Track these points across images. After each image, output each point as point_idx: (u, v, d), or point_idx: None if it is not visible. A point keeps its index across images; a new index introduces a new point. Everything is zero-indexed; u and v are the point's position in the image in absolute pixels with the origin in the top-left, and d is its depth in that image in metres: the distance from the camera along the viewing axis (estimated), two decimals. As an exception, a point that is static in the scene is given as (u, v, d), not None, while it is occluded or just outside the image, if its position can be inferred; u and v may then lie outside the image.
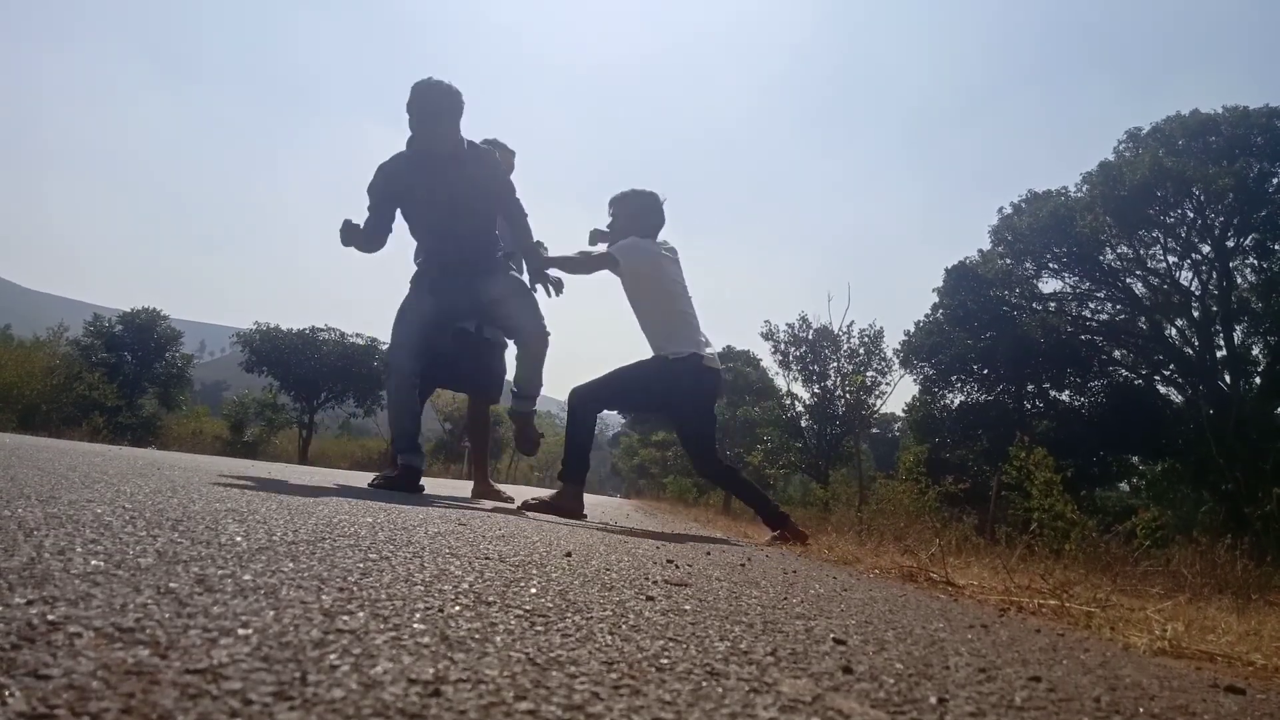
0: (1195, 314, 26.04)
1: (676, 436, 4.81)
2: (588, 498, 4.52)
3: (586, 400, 4.38)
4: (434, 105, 4.20)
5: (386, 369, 4.55)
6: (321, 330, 32.55)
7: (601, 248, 4.62)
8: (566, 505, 4.10)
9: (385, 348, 4.28)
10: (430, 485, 6.23)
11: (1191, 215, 25.58)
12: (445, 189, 4.34)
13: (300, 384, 31.49)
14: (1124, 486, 29.82)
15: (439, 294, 4.49)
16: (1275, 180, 24.85)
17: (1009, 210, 28.82)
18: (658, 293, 4.38)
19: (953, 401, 28.19)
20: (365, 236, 4.29)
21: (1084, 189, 27.21)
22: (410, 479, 4.30)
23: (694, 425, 4.47)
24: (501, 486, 6.37)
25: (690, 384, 4.34)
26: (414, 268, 4.72)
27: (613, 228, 4.68)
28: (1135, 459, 27.47)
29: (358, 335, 32.88)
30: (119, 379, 28.95)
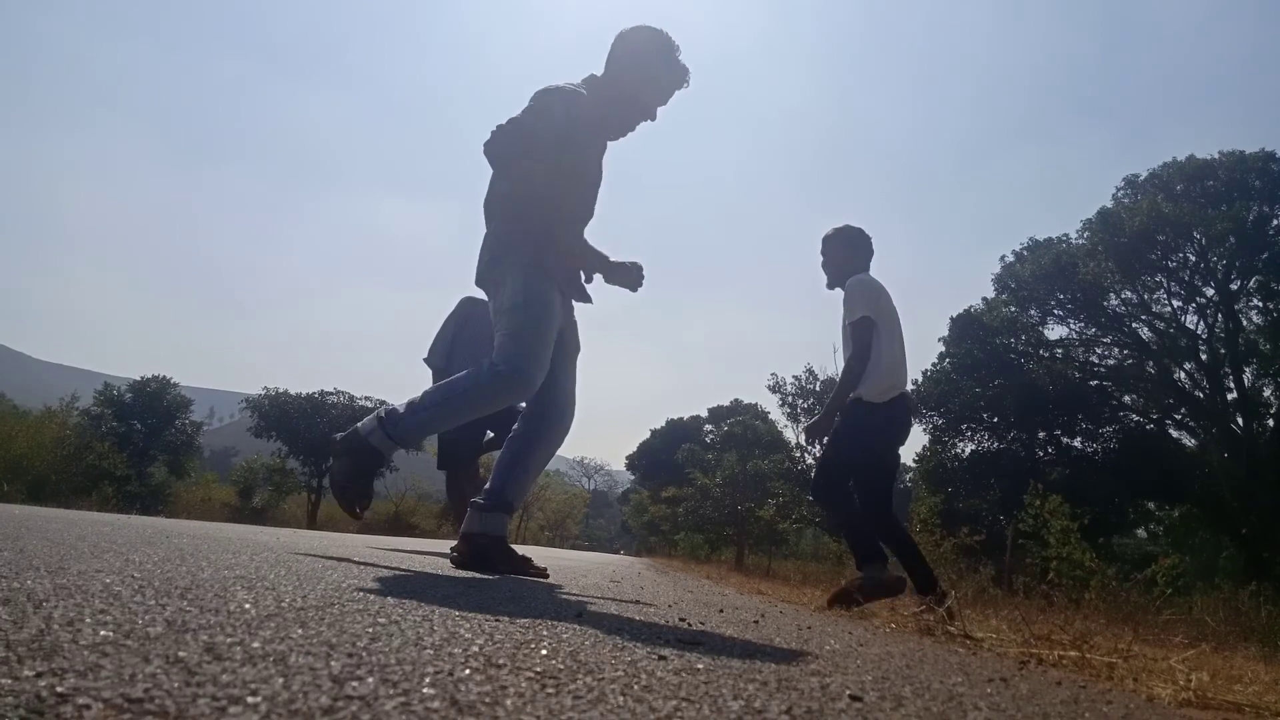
0: (1204, 357, 25.99)
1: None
2: (597, 556, 4.33)
3: (829, 492, 4.14)
4: (669, 95, 3.31)
5: (500, 379, 2.93)
6: (330, 394, 32.74)
7: (837, 293, 4.31)
8: (883, 586, 3.86)
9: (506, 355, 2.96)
10: (429, 545, 6.20)
11: (1194, 259, 25.72)
12: (599, 173, 3.28)
13: (309, 448, 31.53)
14: (1141, 533, 29.41)
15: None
16: (1275, 222, 25.04)
17: (1011, 258, 29.04)
18: (885, 337, 4.09)
19: (964, 450, 28.01)
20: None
21: (1085, 236, 27.44)
22: (508, 556, 3.16)
23: (874, 458, 4.11)
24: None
25: (888, 424, 4.11)
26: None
27: (828, 268, 4.40)
28: (1151, 505, 27.16)
29: (366, 398, 33.06)
30: (129, 448, 29.05)
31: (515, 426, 3.26)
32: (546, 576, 3.17)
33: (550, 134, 2.99)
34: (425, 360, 5.51)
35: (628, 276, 3.36)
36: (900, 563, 4.10)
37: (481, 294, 4.81)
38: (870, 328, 4.02)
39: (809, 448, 4.18)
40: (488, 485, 3.11)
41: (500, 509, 3.09)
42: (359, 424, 2.98)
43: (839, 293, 4.31)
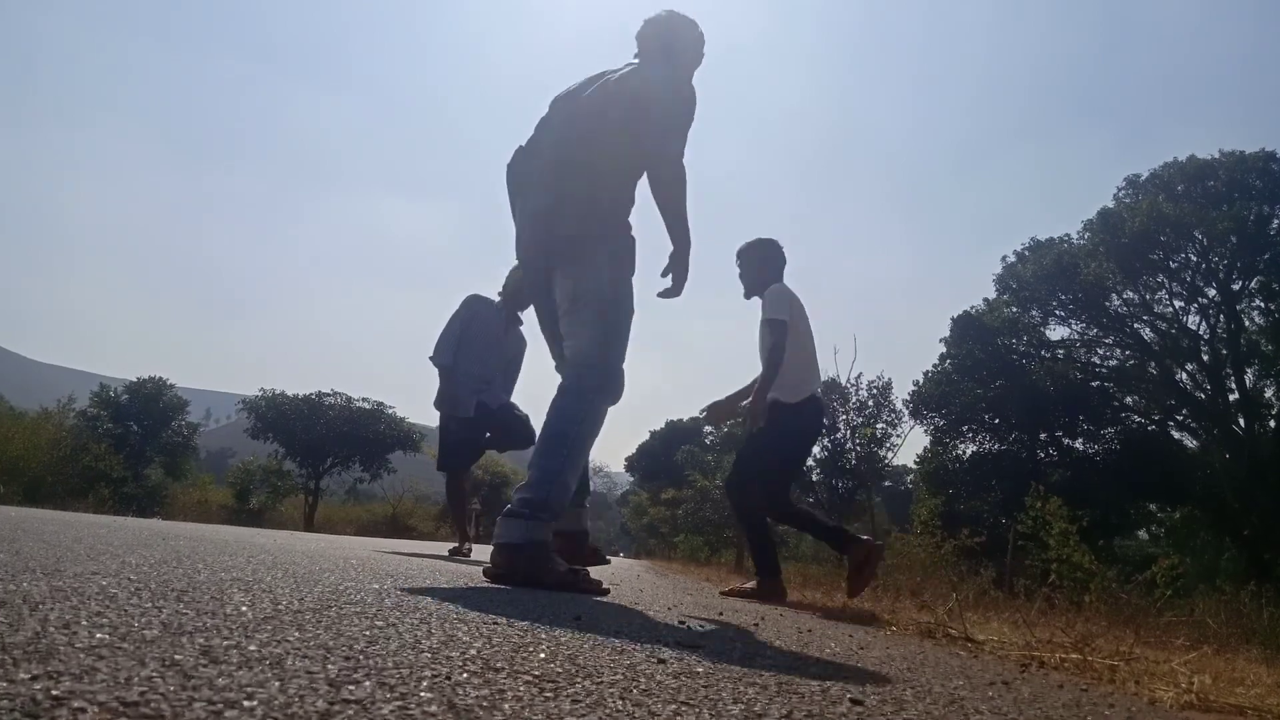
0: (1205, 358, 25.99)
1: (747, 467, 4.56)
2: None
3: (742, 493, 4.51)
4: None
5: (594, 378, 2.81)
6: (328, 395, 32.62)
7: (755, 301, 4.65)
8: (768, 595, 4.23)
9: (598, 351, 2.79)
10: (426, 547, 6.19)
11: (1195, 259, 25.73)
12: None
13: (306, 450, 31.41)
14: (1143, 534, 29.38)
15: None
16: (1276, 223, 25.04)
17: (1013, 259, 29.04)
18: (797, 341, 4.43)
19: (965, 452, 27.97)
20: None
21: (1086, 236, 27.44)
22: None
23: (787, 458, 4.57)
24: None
25: (808, 424, 4.56)
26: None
27: (745, 278, 4.73)
28: (1153, 506, 27.13)
29: (364, 400, 32.95)
30: (125, 449, 28.95)
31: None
32: (606, 594, 2.66)
33: (683, 117, 2.81)
34: (431, 359, 5.59)
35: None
36: (813, 536, 4.61)
37: (486, 292, 4.77)
38: (783, 329, 4.35)
39: (710, 428, 4.50)
40: (530, 495, 2.61)
41: (543, 515, 2.62)
42: (509, 538, 2.56)
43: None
